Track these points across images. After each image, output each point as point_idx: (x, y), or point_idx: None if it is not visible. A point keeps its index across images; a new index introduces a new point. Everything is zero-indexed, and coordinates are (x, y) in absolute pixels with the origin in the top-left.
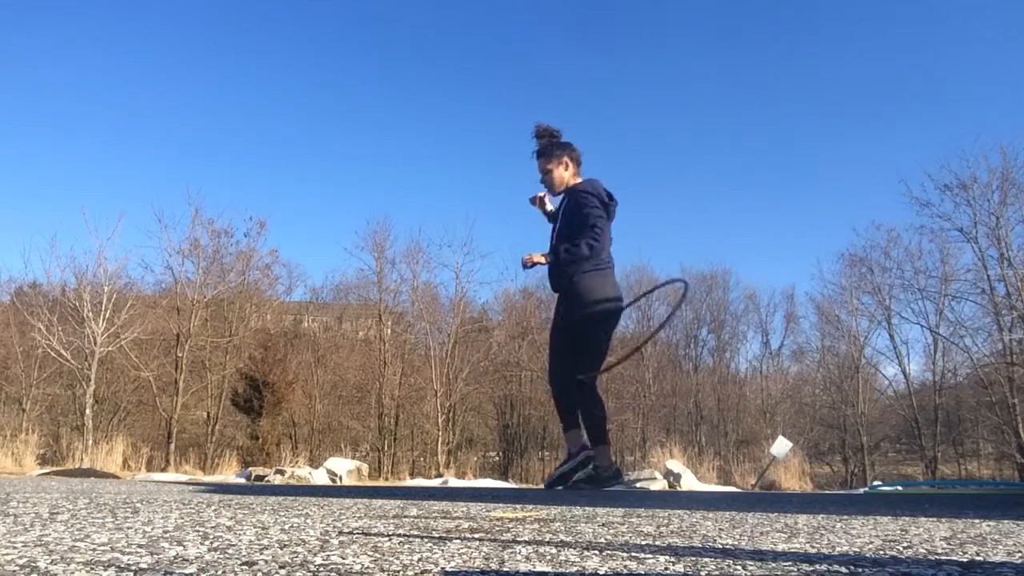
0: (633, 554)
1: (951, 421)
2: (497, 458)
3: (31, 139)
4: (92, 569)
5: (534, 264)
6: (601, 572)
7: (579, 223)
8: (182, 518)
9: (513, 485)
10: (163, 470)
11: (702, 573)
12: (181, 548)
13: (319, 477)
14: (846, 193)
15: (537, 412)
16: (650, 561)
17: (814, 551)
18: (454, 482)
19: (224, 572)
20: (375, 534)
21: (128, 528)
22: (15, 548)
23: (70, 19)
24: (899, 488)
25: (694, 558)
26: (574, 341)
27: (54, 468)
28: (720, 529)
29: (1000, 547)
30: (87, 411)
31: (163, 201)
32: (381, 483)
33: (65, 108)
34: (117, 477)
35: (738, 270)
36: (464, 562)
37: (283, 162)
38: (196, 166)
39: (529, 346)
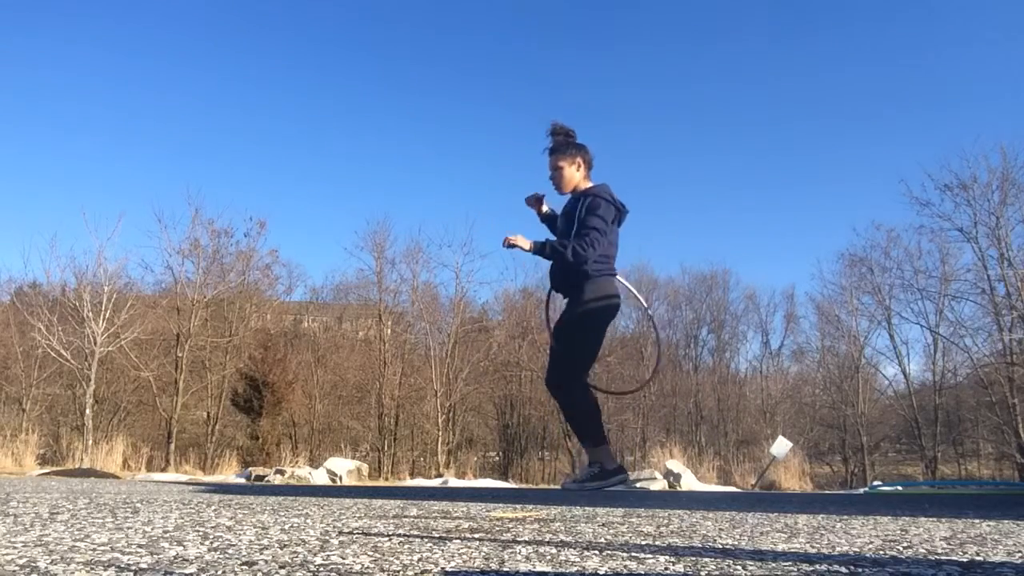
0: (633, 554)
1: (951, 421)
2: (497, 458)
3: (31, 139)
4: (92, 569)
5: (514, 246)
6: (601, 572)
7: (580, 225)
8: (182, 518)
9: (513, 485)
10: (163, 470)
11: (702, 573)
12: (181, 548)
13: (319, 477)
14: (846, 193)
15: (537, 412)
16: (650, 561)
17: (814, 551)
18: (454, 482)
19: (224, 572)
20: (375, 534)
21: (128, 528)
22: (15, 548)
23: (70, 19)
24: (899, 488)
25: (694, 558)
26: (585, 343)
27: (54, 468)
28: (720, 529)
29: (1000, 547)
30: (87, 411)
31: (163, 201)
32: (381, 483)
33: (65, 108)
34: (117, 477)
35: (738, 270)
36: (464, 562)
37: (283, 162)
38: (196, 166)
39: (529, 346)
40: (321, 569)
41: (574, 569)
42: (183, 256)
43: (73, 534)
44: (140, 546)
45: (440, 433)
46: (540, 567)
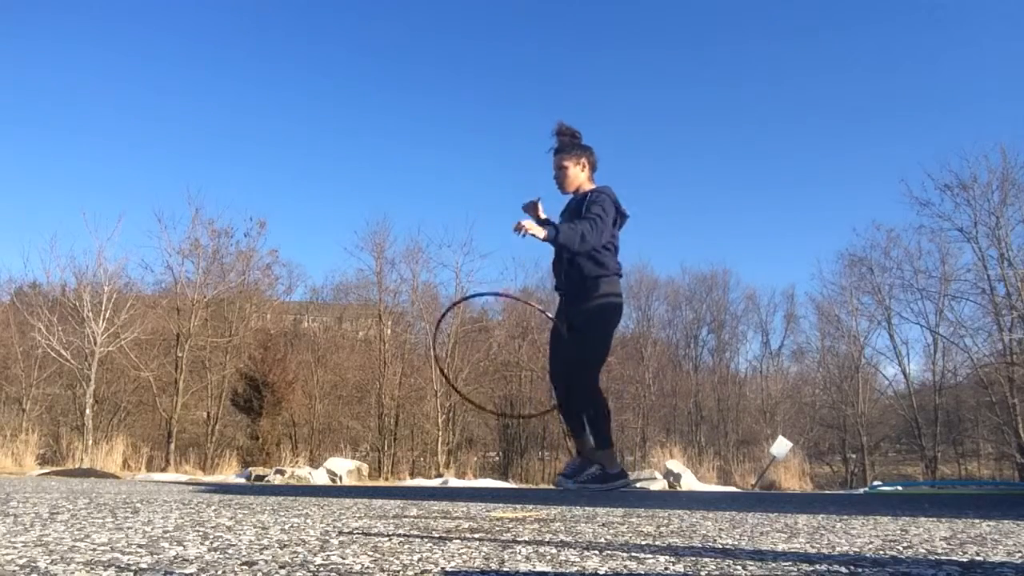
0: (633, 554)
1: (951, 421)
2: (497, 458)
3: (31, 139)
4: (92, 569)
5: (527, 233)
6: (601, 572)
7: (586, 211)
8: (182, 518)
9: (513, 485)
10: (163, 470)
11: (702, 573)
12: (181, 548)
13: (319, 477)
14: (846, 193)
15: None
16: (650, 561)
17: (814, 551)
18: (454, 482)
19: (224, 572)
20: (375, 534)
21: (128, 528)
22: (15, 548)
23: (70, 19)
24: (899, 488)
25: (694, 558)
26: (602, 342)
27: (54, 468)
28: (720, 529)
29: (1000, 547)
30: (87, 411)
31: (163, 201)
32: (381, 483)
33: (65, 108)
34: (117, 477)
35: (738, 270)
36: (464, 562)
37: (283, 162)
38: (196, 166)
39: (529, 346)
40: (321, 569)
41: (574, 569)
42: (183, 256)
43: (73, 534)
44: (140, 546)
45: (440, 433)
46: (540, 567)
